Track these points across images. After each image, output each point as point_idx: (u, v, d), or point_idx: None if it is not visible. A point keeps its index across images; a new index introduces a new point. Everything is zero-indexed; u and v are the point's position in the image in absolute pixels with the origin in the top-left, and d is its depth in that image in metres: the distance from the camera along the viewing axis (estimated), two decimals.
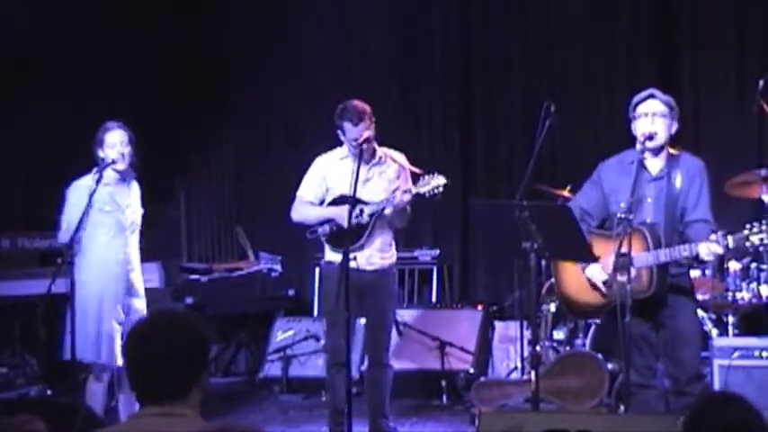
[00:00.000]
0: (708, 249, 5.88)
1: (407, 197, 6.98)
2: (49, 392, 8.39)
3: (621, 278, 5.80)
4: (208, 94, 10.65)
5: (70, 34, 9.53)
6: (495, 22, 10.37)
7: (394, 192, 7.04)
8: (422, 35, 10.64)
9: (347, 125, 6.95)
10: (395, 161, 7.21)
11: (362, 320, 7.43)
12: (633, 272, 5.96)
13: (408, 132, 10.14)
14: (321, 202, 7.22)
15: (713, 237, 5.88)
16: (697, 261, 6.24)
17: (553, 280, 6.81)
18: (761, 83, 7.71)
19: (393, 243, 7.30)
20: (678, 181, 6.22)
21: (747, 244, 5.87)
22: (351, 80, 10.56)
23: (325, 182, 7.18)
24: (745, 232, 5.83)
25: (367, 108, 7.00)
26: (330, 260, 7.14)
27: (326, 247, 7.23)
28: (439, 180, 6.91)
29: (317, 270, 9.75)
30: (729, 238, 5.86)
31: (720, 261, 7.98)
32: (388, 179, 7.15)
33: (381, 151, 7.17)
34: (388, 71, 10.62)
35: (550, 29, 10.18)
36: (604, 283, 6.18)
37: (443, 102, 10.52)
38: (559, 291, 6.63)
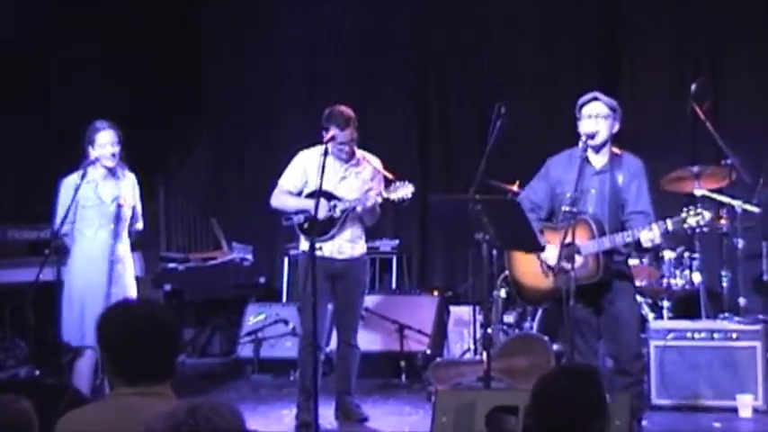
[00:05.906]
0: (648, 235, 6.01)
1: (378, 199, 7.19)
2: (37, 373, 8.38)
3: (567, 266, 5.90)
4: (183, 97, 10.59)
5: (55, 34, 9.55)
6: (449, 27, 10.46)
7: (367, 192, 7.29)
8: (379, 38, 10.69)
9: (334, 129, 7.14)
10: (370, 164, 7.44)
11: (330, 306, 7.53)
12: (581, 259, 6.08)
13: (369, 131, 10.38)
14: (299, 194, 7.39)
15: (653, 224, 6.03)
16: (638, 248, 6.33)
17: (507, 270, 6.90)
18: (693, 86, 8.01)
19: (363, 236, 7.49)
20: (620, 178, 6.35)
21: (685, 226, 6.01)
22: (316, 80, 10.65)
23: (306, 175, 7.34)
24: (683, 215, 5.98)
25: (352, 114, 7.22)
26: (304, 249, 7.22)
27: (301, 237, 7.38)
28: (408, 189, 7.12)
29: (286, 259, 9.90)
30: (668, 221, 6.00)
31: (656, 251, 8.07)
32: (362, 179, 7.37)
33: (360, 153, 7.40)
34: (349, 73, 10.67)
35: (501, 36, 10.29)
36: (552, 267, 6.19)
37: (401, 105, 10.61)
38: (512, 278, 6.72)
